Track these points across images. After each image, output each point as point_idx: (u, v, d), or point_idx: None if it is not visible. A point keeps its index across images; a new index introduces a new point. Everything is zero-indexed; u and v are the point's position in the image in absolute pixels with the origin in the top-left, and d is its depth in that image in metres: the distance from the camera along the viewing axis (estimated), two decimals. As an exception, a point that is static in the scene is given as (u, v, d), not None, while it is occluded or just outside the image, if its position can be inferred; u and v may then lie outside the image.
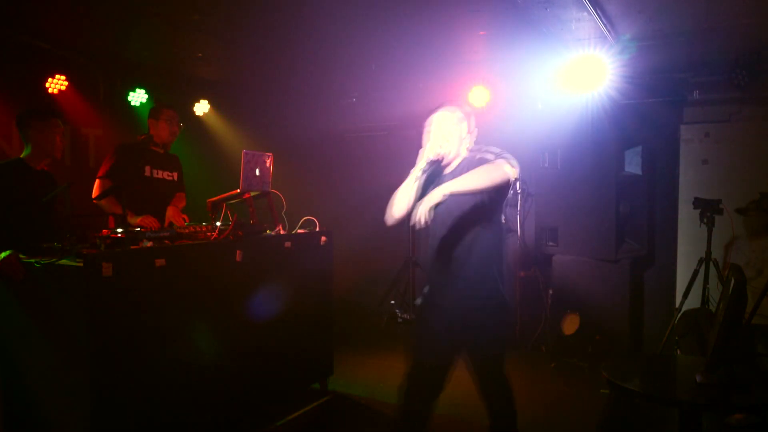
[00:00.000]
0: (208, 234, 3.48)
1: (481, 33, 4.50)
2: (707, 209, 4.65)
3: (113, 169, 4.01)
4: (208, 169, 5.94)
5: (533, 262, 6.08)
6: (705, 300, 4.68)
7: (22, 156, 3.55)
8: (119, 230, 3.11)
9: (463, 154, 2.80)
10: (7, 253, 2.90)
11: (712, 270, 4.65)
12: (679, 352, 4.77)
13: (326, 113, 6.68)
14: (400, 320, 6.18)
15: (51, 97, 4.87)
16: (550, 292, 5.80)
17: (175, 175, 4.32)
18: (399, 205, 2.64)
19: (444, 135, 2.74)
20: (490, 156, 2.69)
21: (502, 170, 2.60)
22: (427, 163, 2.66)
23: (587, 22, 3.87)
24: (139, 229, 3.34)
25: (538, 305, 6.01)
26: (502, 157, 2.67)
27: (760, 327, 4.34)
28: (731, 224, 4.84)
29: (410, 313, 6.51)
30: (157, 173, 4.19)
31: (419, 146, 2.79)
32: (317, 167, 6.94)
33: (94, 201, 3.95)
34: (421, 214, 2.42)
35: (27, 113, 3.58)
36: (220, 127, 6.41)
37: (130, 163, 4.05)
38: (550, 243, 5.66)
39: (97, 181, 4.01)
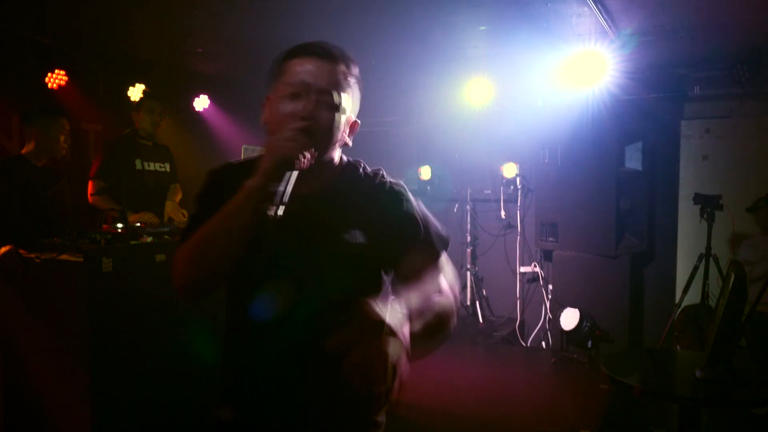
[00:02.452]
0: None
1: (482, 28, 4.49)
2: (707, 205, 4.64)
3: (104, 167, 3.99)
4: (207, 164, 5.89)
5: (533, 257, 6.09)
6: (705, 296, 4.68)
7: (23, 152, 3.55)
8: (119, 226, 3.11)
9: (336, 158, 1.49)
10: (8, 248, 2.90)
11: (712, 266, 4.66)
12: (678, 347, 4.78)
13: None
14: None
15: (51, 93, 4.86)
16: (550, 287, 5.81)
17: (168, 165, 4.28)
18: (208, 256, 1.37)
19: (321, 112, 1.37)
20: (412, 206, 1.49)
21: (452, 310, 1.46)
22: (279, 175, 1.28)
23: (588, 17, 3.86)
24: (138, 224, 3.34)
25: (538, 301, 6.03)
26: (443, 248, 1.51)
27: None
28: (731, 220, 4.84)
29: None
30: (149, 165, 4.16)
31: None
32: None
33: (90, 201, 3.94)
34: None
35: (34, 110, 3.57)
36: (220, 122, 6.40)
37: (119, 159, 4.03)
38: (551, 239, 5.67)
39: (90, 182, 3.99)
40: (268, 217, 1.26)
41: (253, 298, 1.40)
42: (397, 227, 1.46)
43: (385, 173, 1.54)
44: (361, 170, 1.52)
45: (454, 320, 1.47)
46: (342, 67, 1.41)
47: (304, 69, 1.37)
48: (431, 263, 1.48)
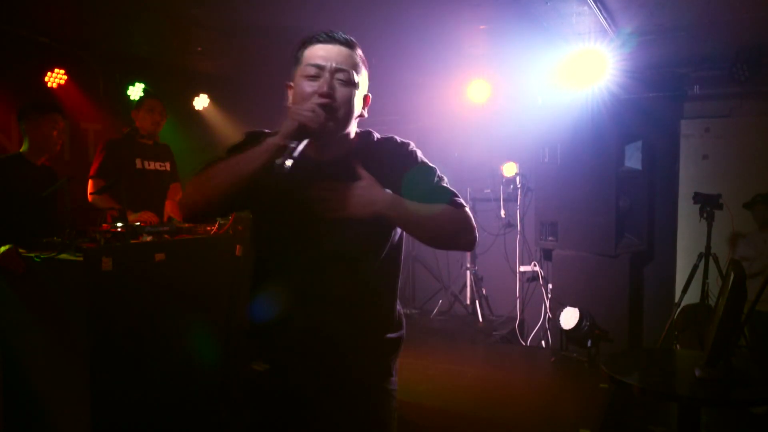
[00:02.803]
0: (208, 228, 3.48)
1: (482, 27, 4.49)
2: (707, 204, 4.64)
3: (104, 166, 3.98)
4: (207, 164, 5.92)
5: (533, 257, 6.09)
6: (704, 295, 4.68)
7: (21, 150, 3.54)
8: (119, 225, 3.11)
9: (353, 132, 1.70)
10: (7, 247, 2.90)
11: (712, 265, 4.66)
12: (678, 346, 4.78)
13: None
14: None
15: (50, 92, 4.86)
16: (550, 286, 5.81)
17: (168, 165, 4.28)
18: (223, 185, 1.55)
19: (338, 89, 1.59)
20: (422, 164, 1.72)
21: (473, 231, 1.65)
22: (296, 138, 1.49)
23: (587, 16, 3.86)
24: (138, 223, 3.33)
25: (538, 300, 6.03)
26: (454, 194, 1.66)
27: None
28: (731, 219, 4.84)
29: (409, 308, 6.53)
30: (149, 165, 4.15)
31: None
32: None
33: (90, 200, 3.93)
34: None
35: (26, 107, 3.56)
36: (219, 121, 6.40)
37: (120, 158, 4.01)
38: (550, 238, 5.67)
39: (89, 181, 3.99)
40: (277, 168, 1.45)
41: (281, 249, 1.68)
42: (406, 173, 1.67)
43: (396, 136, 1.77)
44: (374, 137, 1.75)
45: (452, 221, 1.63)
46: (350, 48, 1.63)
47: (319, 53, 1.60)
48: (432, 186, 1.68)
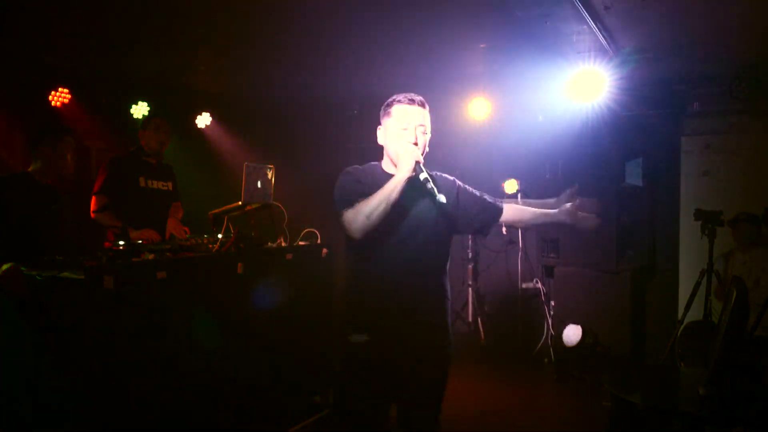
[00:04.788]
0: (210, 246, 3.48)
1: (482, 46, 4.52)
2: (708, 221, 4.64)
3: (107, 183, 4.00)
4: (209, 182, 5.94)
5: (535, 273, 6.07)
6: (707, 312, 4.66)
7: (29, 170, 3.55)
8: (121, 243, 3.11)
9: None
10: (9, 265, 2.90)
11: (714, 282, 4.64)
12: (681, 364, 4.75)
13: (327, 125, 6.70)
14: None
15: (54, 110, 4.89)
16: (552, 303, 5.79)
17: (170, 184, 4.31)
18: (377, 213, 2.27)
19: (419, 137, 2.41)
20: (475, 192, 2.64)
21: None
22: (417, 169, 2.31)
23: (587, 35, 3.88)
24: (140, 241, 3.34)
25: (540, 317, 6.01)
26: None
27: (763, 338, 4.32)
28: (732, 236, 4.84)
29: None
30: (152, 183, 4.19)
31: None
32: (319, 179, 6.94)
33: (93, 217, 3.95)
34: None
35: (41, 130, 3.60)
36: (221, 139, 6.43)
37: (123, 176, 4.05)
38: (552, 254, 5.66)
39: (93, 197, 4.01)
40: (422, 183, 2.30)
41: (382, 247, 2.38)
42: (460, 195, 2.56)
43: (455, 179, 2.63)
44: (441, 174, 2.57)
45: None
46: (425, 108, 2.44)
47: (407, 112, 2.41)
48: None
